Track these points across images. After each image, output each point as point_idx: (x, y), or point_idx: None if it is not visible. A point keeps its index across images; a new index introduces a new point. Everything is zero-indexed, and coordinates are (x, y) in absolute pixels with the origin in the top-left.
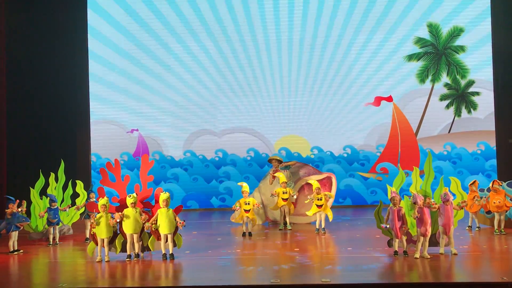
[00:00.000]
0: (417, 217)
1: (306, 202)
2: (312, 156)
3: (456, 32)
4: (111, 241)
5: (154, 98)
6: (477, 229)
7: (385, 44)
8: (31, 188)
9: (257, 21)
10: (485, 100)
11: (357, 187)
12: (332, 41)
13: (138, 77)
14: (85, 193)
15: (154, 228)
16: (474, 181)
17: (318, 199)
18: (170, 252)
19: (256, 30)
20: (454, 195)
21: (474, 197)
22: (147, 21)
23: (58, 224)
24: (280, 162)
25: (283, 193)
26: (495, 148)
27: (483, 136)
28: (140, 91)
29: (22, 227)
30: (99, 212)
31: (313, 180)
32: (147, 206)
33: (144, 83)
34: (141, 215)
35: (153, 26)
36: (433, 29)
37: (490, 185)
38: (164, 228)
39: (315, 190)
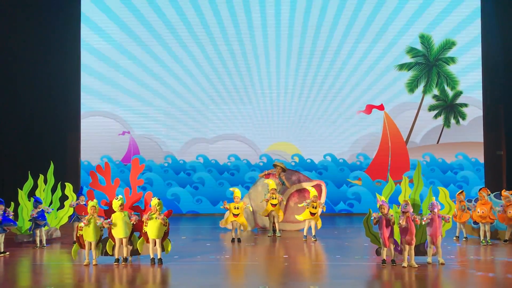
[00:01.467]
0: (400, 224)
1: (300, 206)
2: (293, 164)
3: (448, 45)
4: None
5: (145, 102)
6: (464, 239)
7: (377, 53)
8: (19, 190)
9: (245, 29)
10: (474, 112)
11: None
12: (324, 49)
13: (128, 81)
14: (74, 195)
15: (144, 231)
16: (461, 191)
17: (313, 207)
18: (159, 257)
19: (244, 37)
20: (442, 205)
21: (463, 207)
22: (138, 25)
23: (45, 226)
24: (283, 170)
25: (273, 199)
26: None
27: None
28: (132, 95)
29: (9, 230)
30: (87, 215)
31: (310, 188)
32: (137, 210)
33: (135, 87)
34: (129, 217)
35: (141, 35)
36: (425, 40)
37: (479, 193)
38: (152, 233)
39: (312, 197)
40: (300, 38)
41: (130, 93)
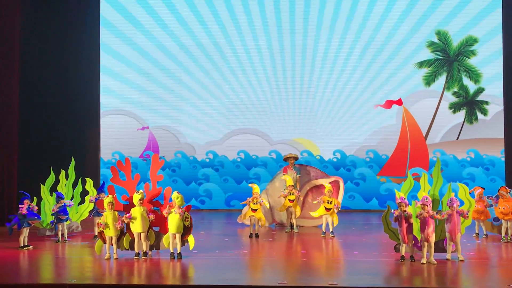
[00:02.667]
0: (419, 215)
1: (314, 202)
2: (318, 158)
3: (470, 42)
4: (119, 239)
5: (169, 96)
6: (484, 236)
7: (395, 47)
8: (41, 185)
9: (272, 24)
10: (494, 108)
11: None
12: (340, 44)
13: (151, 75)
14: (95, 190)
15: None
16: (479, 188)
17: (328, 202)
18: (178, 252)
19: (271, 32)
20: (462, 201)
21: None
22: (164, 19)
23: (66, 221)
24: (296, 159)
25: (290, 194)
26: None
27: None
28: (153, 88)
29: (33, 224)
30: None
31: (326, 183)
32: (156, 205)
33: (157, 81)
34: (148, 214)
35: (158, 30)
36: (442, 36)
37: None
38: (171, 227)
39: (327, 192)
40: (316, 32)
41: (149, 89)
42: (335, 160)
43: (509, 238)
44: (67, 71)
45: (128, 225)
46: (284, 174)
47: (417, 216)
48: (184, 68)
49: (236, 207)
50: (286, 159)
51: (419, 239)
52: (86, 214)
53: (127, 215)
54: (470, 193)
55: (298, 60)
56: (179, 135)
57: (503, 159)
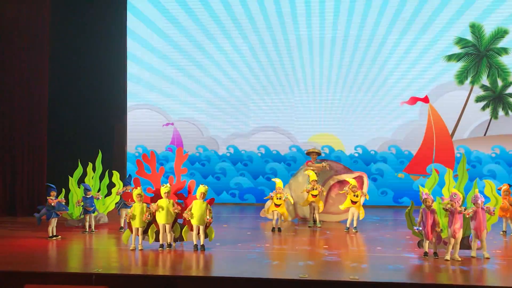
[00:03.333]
0: (469, 216)
1: (340, 192)
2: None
3: (500, 34)
4: (145, 231)
5: (187, 94)
6: (511, 234)
7: (424, 43)
8: (69, 177)
9: (288, 19)
10: None
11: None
12: (369, 39)
13: (175, 72)
14: (121, 183)
15: (188, 218)
16: (506, 185)
17: (354, 196)
18: (201, 244)
19: (288, 28)
20: (488, 198)
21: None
22: (180, 21)
23: (94, 212)
24: (318, 154)
25: (313, 189)
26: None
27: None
28: (176, 87)
29: (61, 215)
30: (134, 202)
31: (351, 178)
32: (180, 198)
33: (178, 80)
34: (173, 206)
35: (186, 25)
36: (476, 29)
37: None
38: (196, 220)
39: (352, 187)
40: (345, 28)
41: (175, 85)
42: (356, 155)
43: None
44: (95, 67)
45: (154, 216)
46: (307, 169)
47: (444, 209)
48: (204, 68)
49: (248, 201)
50: (308, 154)
51: (442, 235)
52: (112, 206)
53: (156, 204)
54: (498, 190)
55: (326, 55)
56: (203, 129)
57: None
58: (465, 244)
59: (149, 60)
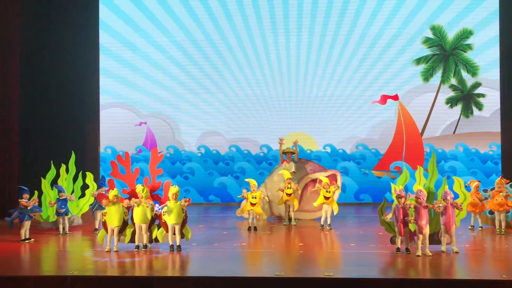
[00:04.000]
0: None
1: (313, 189)
2: (308, 152)
3: (465, 35)
4: (121, 231)
5: (164, 93)
6: (479, 229)
7: (392, 43)
8: (42, 179)
9: (267, 21)
10: (491, 101)
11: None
12: (340, 40)
13: (148, 70)
14: (95, 184)
15: (163, 220)
16: (475, 181)
17: (326, 191)
18: (178, 244)
19: (265, 26)
20: (457, 194)
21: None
22: (158, 17)
23: (67, 214)
24: (293, 153)
25: (288, 188)
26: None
27: (490, 137)
28: (149, 85)
29: (34, 217)
30: (109, 203)
31: (323, 177)
32: (156, 199)
33: (152, 76)
34: (150, 207)
35: (161, 18)
36: (437, 31)
37: (498, 180)
38: (172, 219)
39: (324, 185)
40: (321, 29)
41: (147, 84)
42: (331, 153)
43: (503, 231)
44: (66, 68)
45: (132, 216)
46: (282, 168)
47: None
48: (182, 65)
49: (214, 201)
50: (284, 153)
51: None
52: (86, 208)
53: (130, 200)
54: (466, 186)
55: (293, 56)
56: (175, 129)
57: (498, 152)
58: (435, 239)
59: (124, 55)
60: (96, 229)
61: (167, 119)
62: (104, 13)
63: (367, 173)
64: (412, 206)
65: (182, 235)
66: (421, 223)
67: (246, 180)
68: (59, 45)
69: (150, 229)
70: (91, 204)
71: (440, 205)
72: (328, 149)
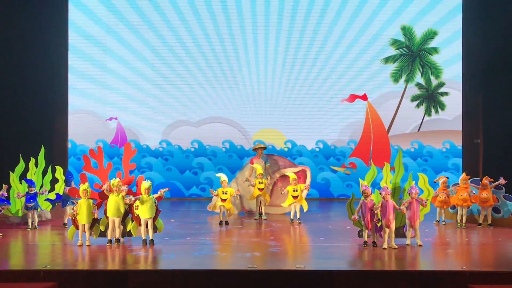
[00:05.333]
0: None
1: (282, 193)
2: (286, 149)
3: (430, 35)
4: (92, 226)
5: (131, 88)
6: (443, 223)
7: (362, 44)
8: (11, 173)
9: (234, 17)
10: (454, 101)
11: (334, 180)
12: (310, 39)
13: (116, 67)
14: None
15: (136, 214)
16: (443, 177)
17: (294, 190)
18: (150, 238)
19: (234, 25)
20: (421, 190)
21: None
22: (125, 12)
23: (36, 208)
24: (264, 149)
25: (259, 183)
26: (460, 147)
27: (449, 135)
28: (118, 81)
29: (1, 211)
30: (80, 198)
31: (290, 172)
32: (129, 193)
33: (120, 73)
34: (123, 200)
35: (130, 17)
36: (407, 31)
37: (484, 180)
38: (144, 213)
39: (292, 181)
40: (289, 27)
41: (118, 77)
42: (317, 149)
43: (463, 225)
44: (35, 63)
45: (105, 209)
46: (254, 163)
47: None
48: (149, 63)
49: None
50: (255, 150)
51: (378, 225)
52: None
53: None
54: (435, 182)
55: (267, 54)
56: (148, 123)
57: (460, 148)
58: (401, 233)
59: (92, 53)
60: (65, 223)
61: (135, 115)
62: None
63: (349, 173)
64: (380, 203)
65: (155, 229)
66: (387, 217)
67: (217, 175)
68: (27, 41)
69: (124, 223)
70: (55, 199)
71: (405, 202)
72: (288, 145)
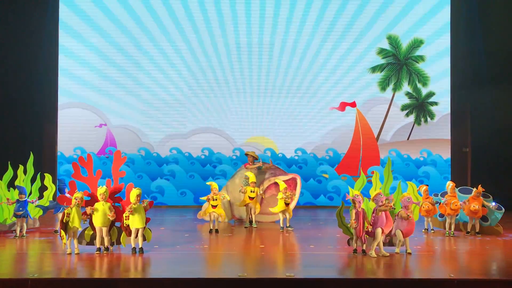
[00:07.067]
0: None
1: (278, 197)
2: (268, 155)
3: (416, 44)
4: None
5: (124, 94)
6: (432, 231)
7: (350, 52)
8: None
9: (228, 24)
10: (442, 111)
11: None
12: (301, 47)
13: (108, 72)
14: (53, 186)
15: (125, 224)
16: (424, 186)
17: (287, 197)
18: (140, 246)
19: (228, 32)
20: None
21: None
22: (120, 18)
23: (25, 216)
24: (255, 158)
25: (251, 191)
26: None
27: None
28: (109, 86)
29: None
30: (69, 205)
31: (280, 181)
32: (118, 201)
33: (114, 78)
34: (110, 210)
35: (126, 23)
36: (393, 41)
37: (479, 188)
38: (136, 223)
39: (282, 190)
40: (271, 35)
41: (108, 84)
42: (296, 158)
43: (452, 233)
44: (23, 67)
45: (90, 219)
46: (246, 171)
47: (373, 213)
48: (142, 67)
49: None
50: (246, 155)
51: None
52: (41, 212)
53: (91, 207)
54: (418, 190)
55: (255, 60)
56: (139, 133)
57: (449, 157)
58: (390, 241)
59: (83, 55)
60: (56, 231)
61: (129, 121)
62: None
63: (326, 177)
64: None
65: (144, 238)
66: (378, 226)
67: (208, 183)
68: (16, 43)
69: (109, 232)
70: (47, 206)
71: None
72: (298, 153)
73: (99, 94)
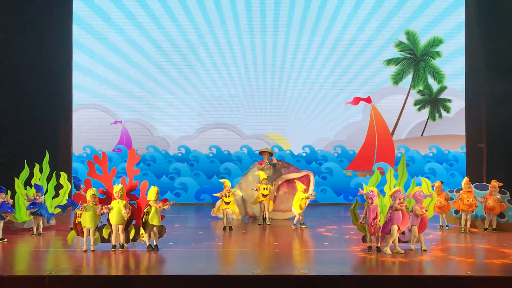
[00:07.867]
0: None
1: (299, 197)
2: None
3: (436, 43)
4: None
5: (141, 91)
6: (446, 228)
7: (366, 47)
8: (15, 179)
9: (243, 21)
10: (457, 106)
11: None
12: (316, 42)
13: (123, 68)
14: (69, 184)
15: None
16: (437, 182)
17: (306, 198)
18: (155, 244)
19: (243, 30)
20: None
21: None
22: (136, 15)
23: (40, 214)
24: (271, 154)
25: (264, 189)
26: (464, 152)
27: (457, 140)
28: (124, 83)
29: (7, 218)
30: (85, 203)
31: (298, 182)
32: (133, 199)
33: (128, 74)
34: (126, 208)
35: (138, 14)
36: (411, 36)
37: (493, 183)
38: (154, 220)
39: (303, 190)
40: (286, 30)
41: (121, 84)
42: (304, 154)
43: (467, 229)
44: (38, 65)
45: (108, 216)
46: (258, 169)
47: (389, 209)
48: (157, 63)
49: (205, 200)
50: (261, 153)
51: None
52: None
53: (107, 206)
54: (432, 186)
55: (269, 57)
56: (152, 129)
57: (463, 154)
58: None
59: (99, 51)
60: (72, 228)
61: (143, 118)
62: (79, 8)
63: (350, 174)
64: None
65: (159, 234)
66: (395, 223)
67: (221, 180)
68: (30, 41)
69: (127, 230)
70: (64, 204)
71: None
72: (307, 150)
73: (114, 90)
